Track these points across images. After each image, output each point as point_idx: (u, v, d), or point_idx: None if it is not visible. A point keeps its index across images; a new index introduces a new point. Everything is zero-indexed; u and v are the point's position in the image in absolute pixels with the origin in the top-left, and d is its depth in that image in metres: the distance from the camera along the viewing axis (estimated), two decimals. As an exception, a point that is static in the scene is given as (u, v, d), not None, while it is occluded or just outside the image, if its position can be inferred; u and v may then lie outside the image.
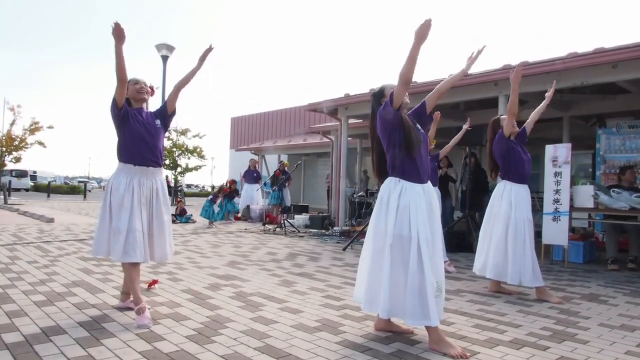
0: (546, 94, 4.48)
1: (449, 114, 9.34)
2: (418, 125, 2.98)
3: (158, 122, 3.41)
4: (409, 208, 2.78)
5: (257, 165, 12.95)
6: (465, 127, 5.71)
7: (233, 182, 12.03)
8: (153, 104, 3.55)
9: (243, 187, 12.88)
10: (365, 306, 2.93)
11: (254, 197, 12.45)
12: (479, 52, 3.19)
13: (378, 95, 3.06)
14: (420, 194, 2.84)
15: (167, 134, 3.67)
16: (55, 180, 37.84)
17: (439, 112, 4.38)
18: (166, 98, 3.57)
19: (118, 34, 3.05)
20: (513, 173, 4.18)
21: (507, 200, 4.15)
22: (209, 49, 3.54)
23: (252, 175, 12.70)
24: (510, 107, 4.03)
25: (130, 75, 3.29)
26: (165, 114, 3.50)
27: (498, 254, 4.14)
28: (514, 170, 4.17)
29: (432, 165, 5.74)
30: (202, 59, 3.54)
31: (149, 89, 3.45)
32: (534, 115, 4.41)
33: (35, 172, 38.39)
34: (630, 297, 4.20)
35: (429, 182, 2.99)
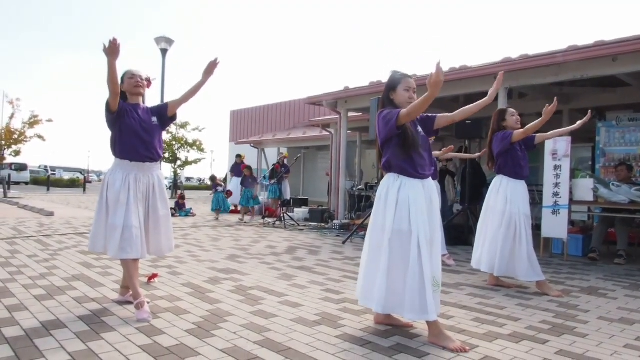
0: (578, 122, 4.40)
1: (448, 107, 9.31)
2: (419, 128, 2.96)
3: (154, 119, 3.36)
4: (408, 202, 2.77)
5: (244, 159, 12.96)
6: (476, 155, 5.96)
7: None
8: (150, 97, 3.53)
9: (231, 181, 13.12)
10: (361, 300, 2.97)
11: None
12: (499, 82, 3.15)
13: (388, 89, 2.96)
14: (420, 188, 2.82)
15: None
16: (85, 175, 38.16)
17: (452, 146, 4.38)
18: (166, 99, 3.51)
19: (112, 50, 2.90)
20: (510, 169, 4.17)
21: (503, 195, 4.16)
22: (215, 63, 3.33)
23: (240, 170, 12.82)
24: (527, 131, 4.05)
25: (127, 67, 3.26)
26: (165, 116, 3.42)
27: (492, 248, 4.16)
28: (511, 166, 4.16)
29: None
30: (208, 72, 3.35)
31: (145, 82, 3.39)
32: (553, 133, 4.42)
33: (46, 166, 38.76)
34: (629, 291, 4.21)
35: (430, 177, 2.97)
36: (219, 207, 11.08)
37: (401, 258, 2.75)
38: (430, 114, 3.05)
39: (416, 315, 2.69)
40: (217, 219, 10.66)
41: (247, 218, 10.52)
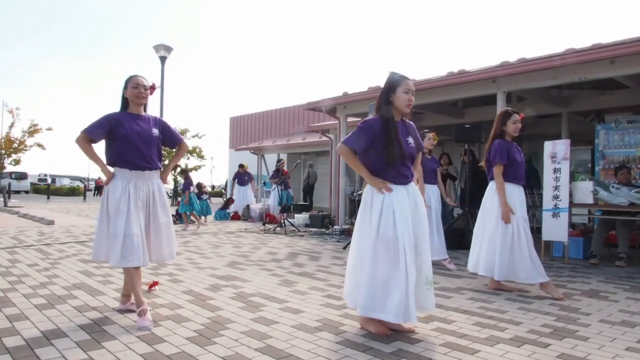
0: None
1: (448, 111, 9.34)
2: (410, 139, 2.98)
3: (156, 130, 3.36)
4: (393, 208, 2.83)
5: (247, 169, 13.54)
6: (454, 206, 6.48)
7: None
8: (150, 104, 3.49)
9: (234, 188, 13.38)
10: (349, 302, 3.08)
11: (247, 197, 13.16)
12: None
13: (387, 91, 2.93)
14: (403, 194, 2.88)
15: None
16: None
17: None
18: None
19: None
20: (506, 173, 4.15)
21: (499, 198, 4.15)
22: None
23: (243, 178, 13.34)
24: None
25: (132, 72, 3.27)
26: (165, 142, 3.52)
27: (490, 252, 4.15)
28: (507, 170, 4.14)
29: (432, 165, 5.73)
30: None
31: (149, 92, 3.36)
32: None
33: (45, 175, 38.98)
34: (631, 293, 4.21)
35: (413, 182, 3.03)
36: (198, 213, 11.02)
37: (386, 262, 2.81)
38: (419, 146, 3.11)
39: (400, 317, 2.77)
40: (203, 223, 10.86)
41: (191, 226, 10.15)
